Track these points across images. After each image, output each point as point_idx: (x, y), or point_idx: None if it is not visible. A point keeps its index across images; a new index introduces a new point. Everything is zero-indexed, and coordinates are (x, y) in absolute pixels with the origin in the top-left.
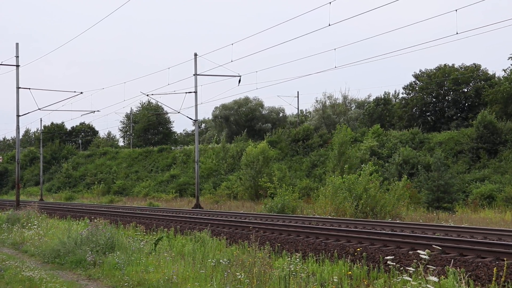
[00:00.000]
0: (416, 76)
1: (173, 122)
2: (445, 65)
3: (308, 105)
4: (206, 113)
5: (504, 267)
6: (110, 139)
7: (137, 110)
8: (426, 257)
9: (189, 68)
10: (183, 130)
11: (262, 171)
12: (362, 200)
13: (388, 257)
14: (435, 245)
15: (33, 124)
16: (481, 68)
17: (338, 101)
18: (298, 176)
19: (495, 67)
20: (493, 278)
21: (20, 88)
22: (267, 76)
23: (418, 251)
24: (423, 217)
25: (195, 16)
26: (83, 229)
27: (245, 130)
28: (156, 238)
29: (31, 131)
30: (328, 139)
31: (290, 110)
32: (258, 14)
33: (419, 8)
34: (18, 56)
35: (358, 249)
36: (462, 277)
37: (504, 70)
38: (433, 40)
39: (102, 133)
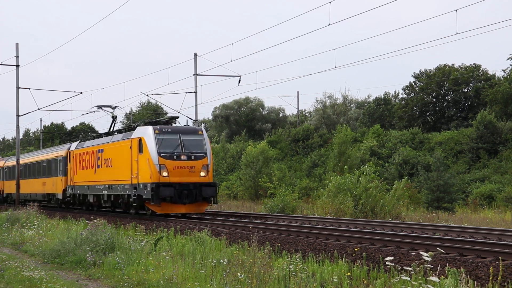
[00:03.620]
0: (416, 76)
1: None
2: (445, 65)
3: (308, 105)
4: (206, 113)
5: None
6: None
7: (136, 110)
8: (428, 258)
9: (189, 68)
10: None
11: (262, 171)
12: (362, 200)
13: (388, 258)
14: (434, 245)
15: (33, 124)
16: (481, 68)
17: (338, 101)
18: (298, 176)
19: (495, 67)
20: (499, 278)
21: (20, 88)
22: (267, 76)
23: (421, 252)
24: (423, 217)
25: (195, 15)
26: (83, 229)
27: (245, 130)
28: (156, 238)
29: (31, 131)
30: (328, 139)
31: (290, 110)
32: (258, 13)
33: (419, 8)
34: (18, 56)
35: (357, 249)
36: (462, 277)
37: (504, 71)
38: (433, 40)
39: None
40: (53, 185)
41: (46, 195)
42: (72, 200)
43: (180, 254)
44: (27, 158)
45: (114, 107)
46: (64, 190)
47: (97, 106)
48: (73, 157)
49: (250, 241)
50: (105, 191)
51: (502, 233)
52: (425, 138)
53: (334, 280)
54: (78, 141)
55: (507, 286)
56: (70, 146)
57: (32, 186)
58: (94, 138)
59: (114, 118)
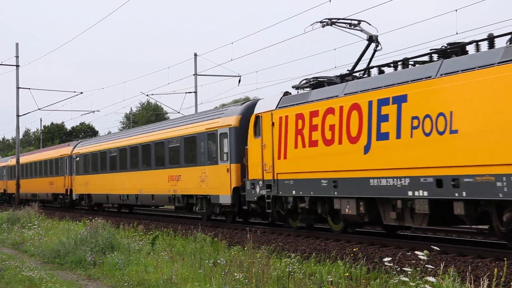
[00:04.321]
0: None
1: None
2: None
3: None
4: None
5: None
6: None
7: (136, 110)
8: (424, 257)
9: (189, 68)
10: None
11: None
12: None
13: (386, 259)
14: (435, 245)
15: (33, 124)
16: None
17: None
18: None
19: None
20: (502, 279)
21: (20, 88)
22: (267, 76)
23: (416, 252)
24: None
25: (195, 15)
26: (83, 229)
27: None
28: (153, 237)
29: (31, 131)
30: None
31: None
32: (258, 13)
33: (419, 8)
34: (18, 56)
35: (356, 249)
36: (462, 277)
37: None
38: (433, 40)
39: (102, 133)
40: (203, 180)
41: (177, 198)
42: (271, 207)
43: (179, 254)
44: (135, 136)
45: (358, 22)
46: (236, 189)
47: (322, 22)
48: (273, 124)
49: (250, 241)
50: (422, 192)
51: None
52: None
53: (332, 280)
54: (282, 96)
55: (507, 286)
56: (257, 106)
57: (139, 182)
58: (315, 84)
59: (372, 40)
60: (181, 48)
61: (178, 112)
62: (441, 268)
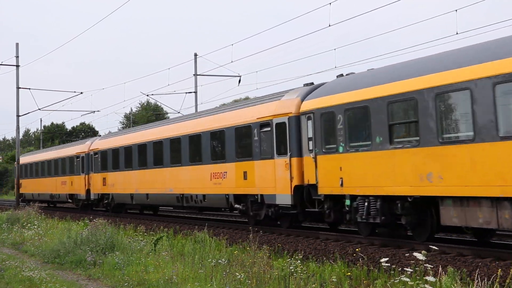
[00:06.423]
0: None
1: None
2: None
3: None
4: None
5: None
6: None
7: (136, 110)
8: (423, 258)
9: (189, 68)
10: None
11: None
12: None
13: (383, 260)
14: (435, 245)
15: (33, 124)
16: None
17: None
18: None
19: None
20: (497, 279)
21: (20, 88)
22: (267, 76)
23: (414, 253)
24: None
25: (195, 15)
26: (83, 229)
27: None
28: (156, 238)
29: (31, 131)
30: None
31: None
32: (258, 13)
33: (419, 8)
34: (18, 56)
35: (358, 250)
36: (461, 277)
37: None
38: (433, 40)
39: (102, 133)
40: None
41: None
42: None
43: (180, 254)
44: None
45: None
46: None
47: None
48: None
49: (250, 241)
50: None
51: (502, 233)
52: None
53: (333, 280)
54: None
55: (506, 286)
56: None
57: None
58: None
59: None
60: (181, 48)
61: (178, 112)
62: (440, 268)
